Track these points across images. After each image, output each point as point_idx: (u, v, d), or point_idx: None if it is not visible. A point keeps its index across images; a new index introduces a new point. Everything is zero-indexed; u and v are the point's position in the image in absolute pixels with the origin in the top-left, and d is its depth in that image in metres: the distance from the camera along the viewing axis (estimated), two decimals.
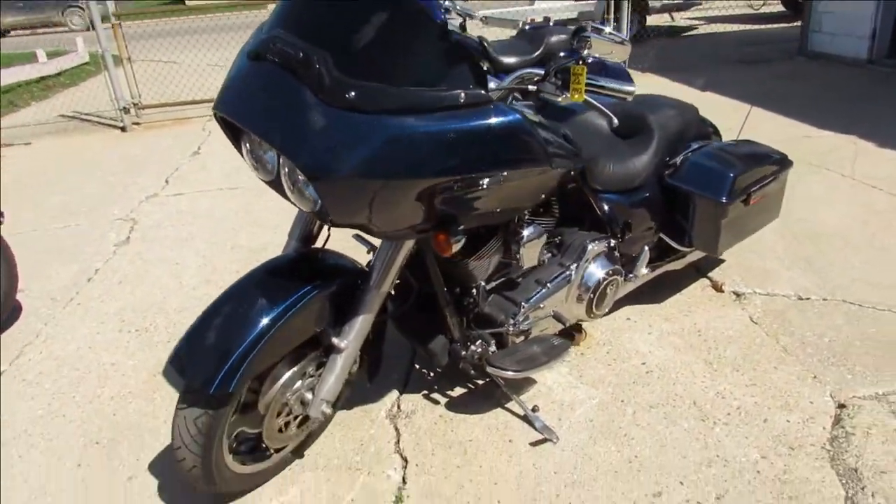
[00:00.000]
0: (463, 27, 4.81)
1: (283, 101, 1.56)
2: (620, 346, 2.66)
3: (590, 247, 2.37)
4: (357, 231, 1.75)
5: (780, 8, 12.02)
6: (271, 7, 1.66)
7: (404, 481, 2.07)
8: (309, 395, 1.94)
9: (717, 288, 3.02)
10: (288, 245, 2.07)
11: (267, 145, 1.65)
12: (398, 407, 2.39)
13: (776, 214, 2.92)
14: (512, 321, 2.20)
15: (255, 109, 1.62)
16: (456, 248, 1.79)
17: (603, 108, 1.84)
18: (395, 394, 2.46)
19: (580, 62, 1.72)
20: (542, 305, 2.29)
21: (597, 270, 2.40)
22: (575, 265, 2.36)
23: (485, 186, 1.69)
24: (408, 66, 1.55)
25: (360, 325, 1.90)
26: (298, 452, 2.17)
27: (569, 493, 1.98)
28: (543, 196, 2.11)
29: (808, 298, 2.90)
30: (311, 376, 1.96)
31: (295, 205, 1.70)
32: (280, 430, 1.99)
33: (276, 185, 1.72)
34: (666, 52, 8.63)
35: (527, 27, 4.55)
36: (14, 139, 6.52)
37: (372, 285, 1.89)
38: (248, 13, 8.01)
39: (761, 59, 8.02)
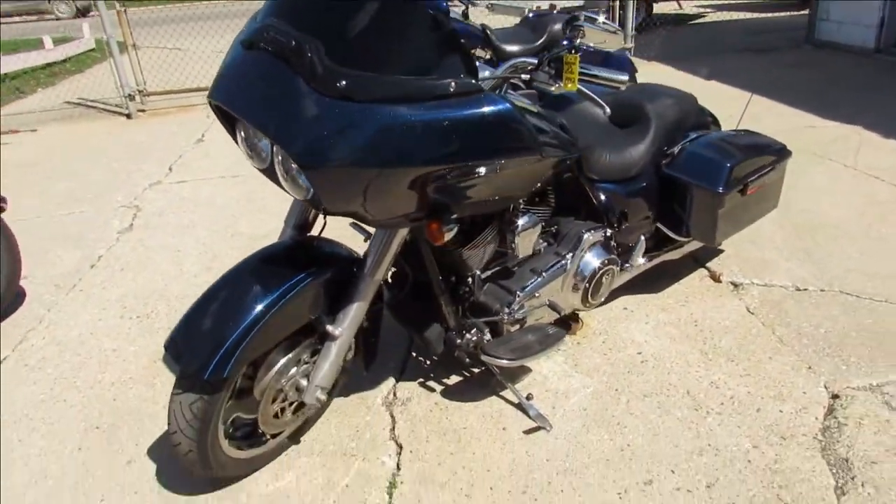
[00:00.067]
0: (465, 14, 4.81)
1: (275, 90, 1.57)
2: (616, 335, 2.68)
3: (586, 236, 2.38)
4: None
5: None
6: None
7: (398, 467, 2.09)
8: (304, 382, 1.97)
9: (716, 278, 3.02)
10: (284, 232, 2.09)
11: (261, 133, 1.66)
12: (394, 394, 2.42)
13: (775, 204, 2.91)
14: (507, 310, 2.22)
15: (248, 98, 1.64)
16: (448, 236, 1.81)
17: (596, 97, 1.84)
18: (391, 381, 2.48)
19: (573, 51, 1.72)
20: (537, 294, 2.31)
21: (592, 260, 2.41)
22: (571, 254, 2.36)
23: (476, 175, 1.70)
24: (399, 56, 1.55)
25: (354, 313, 1.92)
26: (295, 438, 2.20)
27: (560, 480, 2.00)
28: (538, 186, 2.12)
29: (805, 289, 2.91)
30: (306, 363, 1.99)
31: (288, 193, 1.71)
32: (276, 416, 2.01)
33: (269, 173, 1.74)
34: (672, 40, 8.59)
35: (531, 15, 4.55)
36: (20, 126, 6.54)
37: (366, 273, 1.91)
38: None
39: (768, 48, 7.98)
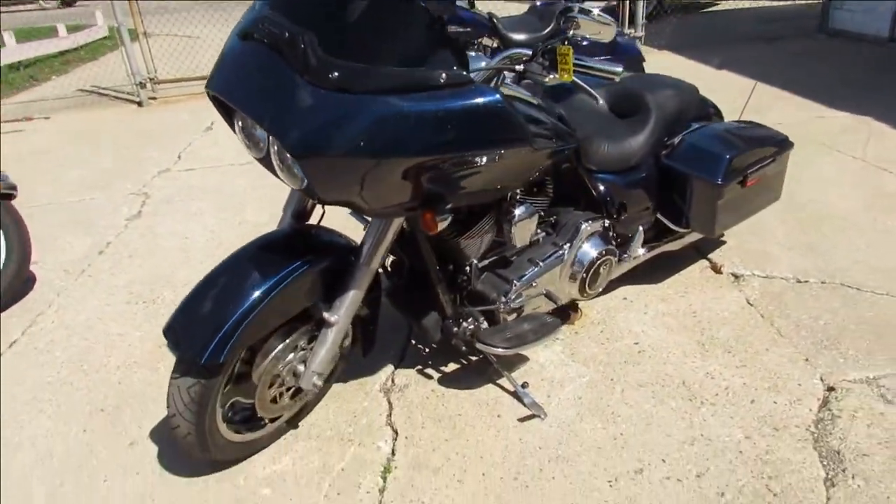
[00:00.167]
0: (472, 3, 4.81)
1: (270, 81, 1.60)
2: (615, 325, 2.69)
3: (584, 226, 2.40)
4: None
5: None
6: None
7: (393, 453, 2.13)
8: (301, 368, 2.00)
9: (716, 269, 3.03)
10: (282, 220, 2.12)
11: (257, 124, 1.68)
12: (392, 381, 2.45)
13: (777, 196, 2.91)
14: (504, 299, 2.24)
15: (244, 89, 1.66)
16: (442, 226, 1.83)
17: (589, 88, 1.85)
18: (390, 368, 2.51)
19: (566, 43, 1.73)
20: (534, 284, 2.32)
21: (590, 250, 2.42)
22: (568, 244, 2.38)
23: (468, 166, 1.72)
24: (390, 48, 1.57)
25: (350, 301, 1.94)
26: (293, 423, 2.24)
27: (552, 467, 2.03)
28: (535, 176, 2.13)
29: (806, 281, 2.90)
30: (303, 349, 2.02)
31: (284, 182, 1.74)
32: (273, 401, 2.05)
33: (266, 162, 1.76)
34: (683, 28, 8.51)
35: (538, 3, 4.54)
36: (34, 113, 6.62)
37: (362, 262, 1.94)
38: None
39: (781, 37, 7.89)
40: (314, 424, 2.25)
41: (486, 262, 2.30)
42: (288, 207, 2.11)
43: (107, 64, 8.68)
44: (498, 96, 1.66)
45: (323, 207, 2.02)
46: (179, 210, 4.11)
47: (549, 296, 2.38)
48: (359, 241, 2.03)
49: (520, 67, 1.82)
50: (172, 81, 7.07)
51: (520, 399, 2.29)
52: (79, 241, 3.75)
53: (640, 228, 2.62)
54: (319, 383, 1.99)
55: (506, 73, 1.93)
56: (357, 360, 2.33)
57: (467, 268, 2.25)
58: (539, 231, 2.38)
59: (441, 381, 2.43)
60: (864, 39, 7.35)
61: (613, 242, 2.53)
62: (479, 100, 1.63)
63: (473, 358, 2.51)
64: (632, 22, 7.69)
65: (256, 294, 1.79)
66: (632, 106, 2.57)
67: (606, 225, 2.48)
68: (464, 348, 2.30)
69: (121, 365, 2.64)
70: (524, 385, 2.32)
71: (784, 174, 2.87)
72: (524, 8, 4.67)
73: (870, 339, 2.52)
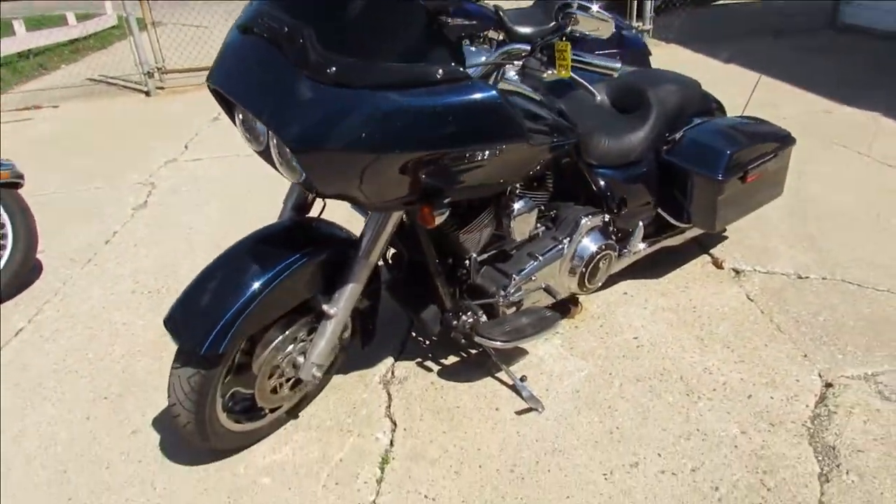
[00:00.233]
0: None
1: (269, 76, 1.61)
2: (614, 319, 2.70)
3: (583, 221, 2.40)
4: None
5: None
6: None
7: (392, 444, 2.15)
8: (300, 359, 2.02)
9: (718, 265, 3.03)
10: (283, 213, 2.14)
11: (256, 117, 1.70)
12: (392, 373, 2.47)
13: (779, 192, 2.90)
14: (503, 293, 2.25)
15: (244, 82, 1.68)
16: (439, 220, 1.84)
17: (587, 84, 1.85)
18: (390, 360, 2.53)
19: (564, 38, 1.73)
20: (533, 278, 2.34)
21: (590, 244, 2.43)
22: (568, 239, 2.39)
23: (465, 161, 1.73)
24: (388, 43, 1.59)
25: (349, 293, 1.96)
26: (294, 413, 2.26)
27: (548, 460, 2.05)
28: (534, 171, 2.14)
29: (807, 277, 2.91)
30: (303, 341, 2.04)
31: (284, 175, 1.76)
32: (273, 392, 2.07)
33: (266, 155, 1.78)
34: (693, 21, 8.45)
35: None
36: (43, 102, 6.66)
37: (361, 255, 1.95)
38: None
39: (790, 31, 7.83)
40: (314, 415, 2.28)
41: (485, 255, 2.31)
42: (288, 200, 2.14)
43: (116, 53, 8.71)
44: (494, 92, 1.67)
45: (323, 200, 2.04)
46: (185, 200, 4.14)
47: (548, 290, 2.39)
48: (359, 233, 2.05)
49: (518, 63, 1.82)
50: (180, 71, 7.09)
51: (518, 392, 2.31)
52: (85, 230, 3.79)
53: (641, 223, 2.62)
54: (319, 374, 2.01)
55: (509, 67, 1.94)
56: (358, 351, 2.35)
57: (467, 261, 2.26)
58: (539, 225, 2.39)
59: (440, 374, 2.45)
60: (874, 34, 7.28)
61: (613, 237, 2.54)
62: (476, 96, 1.64)
63: (473, 351, 2.53)
64: (640, 15, 7.65)
65: (256, 285, 1.81)
66: (633, 101, 2.57)
67: (606, 220, 2.49)
68: (463, 341, 2.32)
69: (125, 353, 2.67)
70: (522, 378, 2.33)
71: (786, 170, 2.87)
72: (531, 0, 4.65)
73: (869, 336, 2.52)
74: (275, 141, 1.69)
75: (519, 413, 2.24)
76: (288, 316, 1.98)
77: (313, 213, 2.16)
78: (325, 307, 1.95)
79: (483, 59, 1.90)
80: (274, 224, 2.09)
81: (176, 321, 1.85)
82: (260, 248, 1.94)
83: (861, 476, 1.93)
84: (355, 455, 2.11)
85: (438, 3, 1.54)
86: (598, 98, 1.95)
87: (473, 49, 2.01)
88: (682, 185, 2.57)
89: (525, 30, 4.13)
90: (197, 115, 5.96)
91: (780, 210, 3.38)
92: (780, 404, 2.22)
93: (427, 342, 2.62)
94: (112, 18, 10.34)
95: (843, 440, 2.06)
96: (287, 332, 2.00)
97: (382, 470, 2.05)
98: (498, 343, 2.19)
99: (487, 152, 1.75)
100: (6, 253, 3.06)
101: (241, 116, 1.80)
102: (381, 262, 2.10)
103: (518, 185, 2.20)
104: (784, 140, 2.74)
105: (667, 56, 6.78)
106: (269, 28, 1.61)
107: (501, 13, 4.41)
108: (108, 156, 5.03)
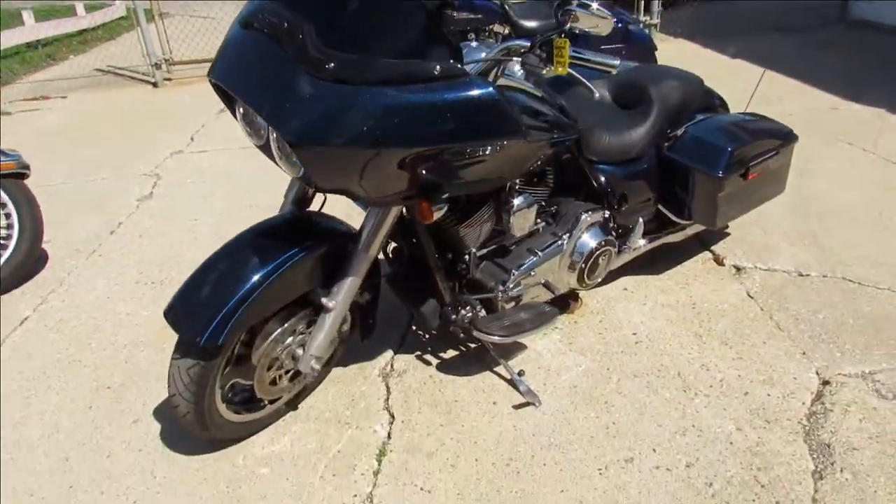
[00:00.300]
0: None
1: (269, 71, 1.63)
2: (614, 315, 2.71)
3: (583, 217, 2.41)
4: None
5: None
6: None
7: (389, 436, 2.17)
8: (299, 351, 2.04)
9: (719, 261, 3.03)
10: (283, 206, 2.16)
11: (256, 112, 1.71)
12: (391, 366, 2.49)
13: (781, 189, 2.90)
14: (502, 287, 2.26)
15: (244, 77, 1.69)
16: (437, 215, 1.85)
17: (586, 81, 1.86)
18: (389, 353, 2.55)
19: (563, 35, 1.74)
20: (532, 273, 2.35)
21: (589, 240, 2.44)
22: (568, 234, 2.40)
23: (464, 156, 1.74)
24: (386, 40, 1.60)
25: (348, 287, 1.98)
26: (293, 405, 2.29)
27: (544, 454, 2.06)
28: (533, 166, 2.15)
29: (807, 275, 2.90)
30: (302, 333, 2.06)
31: (283, 170, 1.77)
32: (272, 383, 2.10)
33: (266, 149, 1.79)
34: (701, 16, 8.39)
35: None
36: (51, 92, 6.70)
37: (360, 249, 1.97)
38: None
39: (799, 26, 7.78)
40: (313, 407, 2.30)
41: (485, 250, 2.32)
42: (289, 194, 2.15)
43: (124, 44, 8.75)
44: (491, 89, 1.67)
45: (323, 194, 2.05)
46: (190, 192, 4.16)
47: (547, 285, 2.40)
48: (359, 227, 2.06)
49: (517, 59, 1.83)
50: (187, 63, 7.12)
51: (516, 386, 2.33)
52: (90, 220, 3.82)
53: (641, 220, 2.63)
54: (317, 367, 2.03)
55: (512, 62, 1.95)
56: (358, 344, 2.37)
57: (466, 256, 2.27)
58: (539, 221, 2.40)
59: (439, 368, 2.46)
60: (884, 29, 7.23)
61: (613, 233, 2.54)
62: (473, 92, 1.65)
63: (472, 345, 2.55)
64: (647, 9, 7.62)
65: (256, 278, 1.83)
66: (635, 97, 2.57)
67: (606, 216, 2.49)
68: (462, 335, 2.33)
69: (128, 344, 2.70)
70: (520, 373, 2.35)
71: (788, 167, 2.86)
72: None
73: (868, 334, 2.52)
74: (274, 136, 1.70)
75: (516, 407, 2.25)
76: (287, 308, 2.00)
77: (314, 206, 2.18)
78: (324, 300, 1.97)
79: (482, 55, 1.91)
80: (274, 217, 2.11)
81: (176, 312, 1.87)
82: (260, 241, 1.96)
83: (855, 474, 1.94)
84: (353, 447, 2.13)
85: (438, 1, 1.55)
86: (597, 95, 1.95)
87: (474, 45, 2.02)
88: (683, 182, 2.57)
89: (530, 24, 4.15)
90: (203, 106, 5.98)
91: (782, 207, 3.37)
92: (777, 401, 2.22)
93: (426, 336, 2.63)
94: (121, 9, 10.37)
95: (838, 438, 2.07)
96: (286, 325, 2.02)
97: (379, 462, 2.07)
98: (496, 337, 2.21)
99: (485, 148, 1.76)
100: (12, 243, 3.09)
101: (241, 111, 1.81)
102: (381, 256, 2.11)
103: (518, 181, 2.21)
104: (786, 137, 2.73)
105: (674, 51, 6.76)
106: (269, 24, 1.62)
107: (507, 7, 4.41)
108: (115, 147, 5.06)
